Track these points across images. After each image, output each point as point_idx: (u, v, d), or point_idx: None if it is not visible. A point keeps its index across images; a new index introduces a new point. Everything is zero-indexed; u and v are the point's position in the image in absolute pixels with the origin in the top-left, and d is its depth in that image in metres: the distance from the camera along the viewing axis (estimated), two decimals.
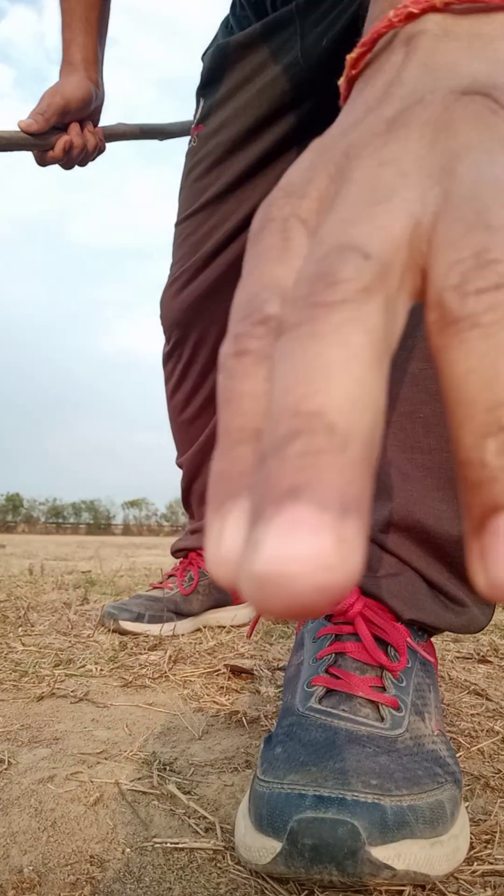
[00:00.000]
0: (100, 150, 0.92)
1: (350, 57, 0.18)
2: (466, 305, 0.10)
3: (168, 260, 0.94)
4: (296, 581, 0.08)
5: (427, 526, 0.47)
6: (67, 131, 0.87)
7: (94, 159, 0.92)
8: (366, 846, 0.30)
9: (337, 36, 0.71)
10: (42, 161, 0.88)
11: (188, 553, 1.02)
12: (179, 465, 1.03)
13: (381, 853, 0.30)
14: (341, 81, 0.18)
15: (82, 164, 0.91)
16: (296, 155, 0.83)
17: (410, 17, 0.17)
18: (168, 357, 0.97)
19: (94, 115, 0.91)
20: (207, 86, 0.87)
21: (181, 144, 0.96)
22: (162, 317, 0.96)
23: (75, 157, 0.89)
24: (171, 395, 1.00)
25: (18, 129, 0.83)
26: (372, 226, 0.11)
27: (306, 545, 0.08)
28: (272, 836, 0.31)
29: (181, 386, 0.97)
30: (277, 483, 0.09)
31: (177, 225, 0.92)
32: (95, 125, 0.91)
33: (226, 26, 0.87)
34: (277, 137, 0.81)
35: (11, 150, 0.84)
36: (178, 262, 0.92)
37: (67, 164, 0.90)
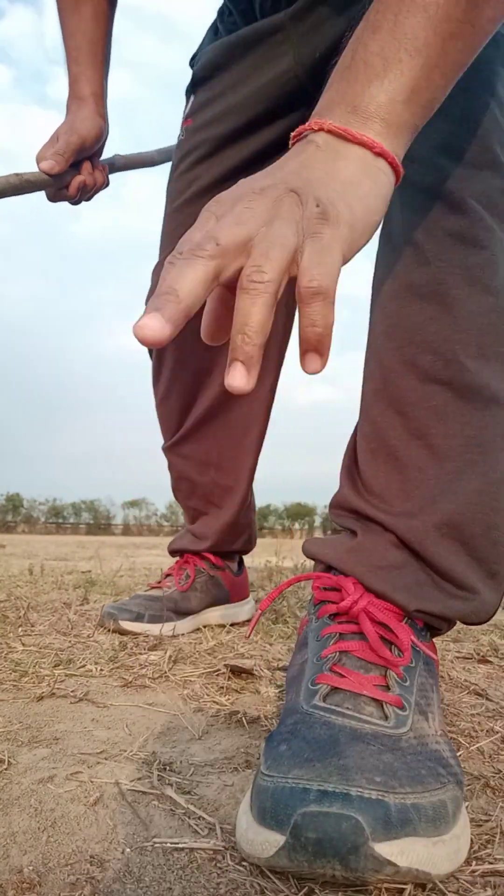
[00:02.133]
0: (105, 185, 0.94)
1: (293, 134, 0.37)
2: (242, 285, 0.30)
3: None
4: (143, 331, 0.28)
5: (443, 508, 0.48)
6: (80, 170, 0.89)
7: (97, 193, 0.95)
8: (369, 842, 0.30)
9: (326, 52, 0.73)
10: (55, 198, 0.90)
11: (184, 553, 1.02)
12: (165, 452, 1.01)
13: (385, 849, 0.30)
14: (291, 143, 0.38)
15: (89, 199, 0.94)
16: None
17: (313, 128, 0.36)
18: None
19: (100, 151, 0.92)
20: (198, 84, 0.87)
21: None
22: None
23: (85, 195, 0.91)
24: (156, 379, 0.98)
25: (40, 171, 0.84)
26: (230, 232, 0.31)
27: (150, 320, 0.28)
28: (275, 830, 0.31)
29: (161, 372, 0.96)
30: (153, 302, 0.29)
31: (165, 216, 0.91)
32: (100, 159, 0.93)
33: (214, 32, 0.87)
34: (273, 138, 0.81)
35: (35, 191, 0.86)
36: (165, 251, 0.92)
37: (76, 202, 0.92)
